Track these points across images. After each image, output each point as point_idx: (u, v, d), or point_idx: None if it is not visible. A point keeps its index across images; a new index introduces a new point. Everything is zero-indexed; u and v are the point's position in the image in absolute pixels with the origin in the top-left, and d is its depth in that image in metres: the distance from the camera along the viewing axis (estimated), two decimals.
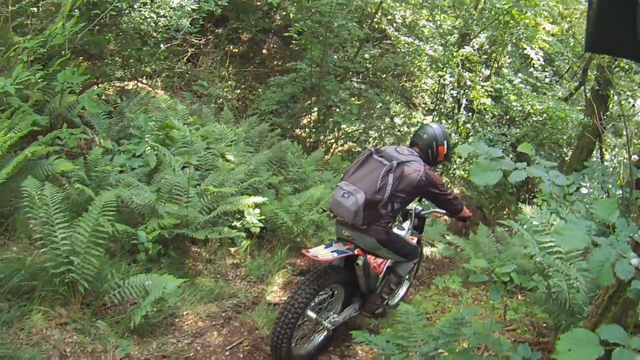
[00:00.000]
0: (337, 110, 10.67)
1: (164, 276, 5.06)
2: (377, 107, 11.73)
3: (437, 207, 5.53)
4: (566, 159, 13.20)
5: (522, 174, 2.74)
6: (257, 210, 7.04)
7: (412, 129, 11.70)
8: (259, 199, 6.93)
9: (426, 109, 14.38)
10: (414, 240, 5.80)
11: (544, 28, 11.56)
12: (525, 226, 6.90)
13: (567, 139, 13.02)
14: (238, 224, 7.02)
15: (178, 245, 6.53)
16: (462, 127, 12.53)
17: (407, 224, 5.85)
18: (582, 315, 4.51)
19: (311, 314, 4.80)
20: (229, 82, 12.39)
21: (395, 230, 5.52)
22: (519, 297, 7.27)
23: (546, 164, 2.95)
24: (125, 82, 10.68)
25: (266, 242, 7.53)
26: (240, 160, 8.13)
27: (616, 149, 14.13)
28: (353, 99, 10.89)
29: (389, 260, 5.36)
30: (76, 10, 7.86)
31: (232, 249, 7.10)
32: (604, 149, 11.34)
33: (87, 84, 9.36)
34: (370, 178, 4.52)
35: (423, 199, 6.06)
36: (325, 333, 5.07)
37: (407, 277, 5.80)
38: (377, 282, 5.41)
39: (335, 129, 11.38)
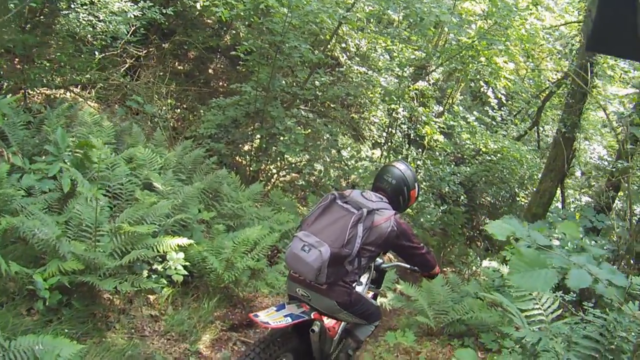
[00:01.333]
0: (282, 138, 9.66)
1: (59, 340, 3.91)
2: (324, 138, 10.80)
3: (404, 262, 4.56)
4: (518, 199, 12.67)
5: (585, 276, 1.92)
6: (182, 255, 5.92)
7: (360, 163, 10.86)
8: (184, 240, 5.80)
9: (374, 142, 13.64)
10: (370, 295, 4.87)
11: (506, 63, 10.92)
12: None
13: (518, 178, 12.43)
14: (159, 267, 5.88)
15: (84, 293, 5.32)
16: (411, 164, 11.73)
17: (364, 278, 4.68)
18: None
19: None
20: (169, 100, 11.29)
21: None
22: (479, 356, 6.48)
23: (595, 252, 2.29)
24: (55, 90, 9.44)
25: (192, 289, 6.37)
26: (168, 189, 6.98)
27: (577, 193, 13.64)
28: (299, 127, 9.91)
29: (343, 322, 4.45)
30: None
31: (151, 297, 5.92)
32: (566, 195, 10.75)
33: (12, 89, 8.18)
34: (336, 228, 3.73)
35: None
36: None
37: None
38: (331, 346, 4.46)
39: (278, 158, 10.37)
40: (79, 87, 9.96)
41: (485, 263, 11.14)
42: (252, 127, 10.29)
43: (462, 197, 11.55)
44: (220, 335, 5.91)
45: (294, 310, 3.93)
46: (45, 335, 4.00)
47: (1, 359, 3.74)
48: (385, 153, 12.35)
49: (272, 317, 3.79)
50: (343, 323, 4.47)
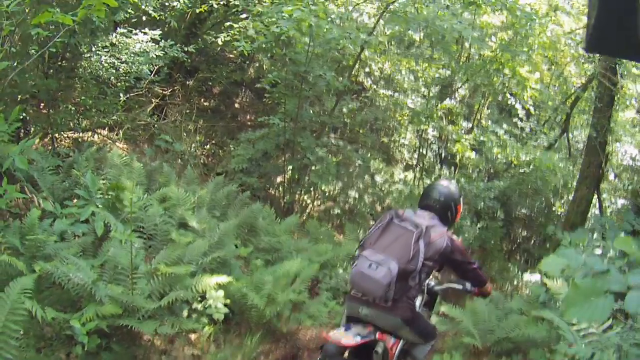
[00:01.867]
0: (314, 168, 9.46)
1: None
2: (356, 164, 10.58)
3: (457, 278, 4.51)
4: (554, 208, 12.27)
5: None
6: (221, 293, 5.70)
7: (394, 187, 10.61)
8: (223, 279, 5.57)
9: (405, 164, 13.40)
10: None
11: (530, 73, 10.65)
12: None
13: (552, 188, 12.10)
14: (199, 307, 5.66)
15: (124, 335, 5.12)
16: None
17: (418, 300, 4.46)
18: None
19: None
20: (198, 137, 11.18)
21: None
22: None
23: None
24: (82, 134, 9.35)
25: (234, 326, 6.14)
26: (203, 227, 6.79)
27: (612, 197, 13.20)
28: (330, 156, 9.70)
29: (401, 342, 4.26)
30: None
31: (193, 336, 5.70)
32: (602, 199, 10.37)
33: (39, 134, 8.12)
34: (400, 245, 3.79)
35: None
36: None
37: None
38: None
39: (312, 188, 10.16)
40: (106, 129, 9.86)
41: (527, 277, 10.86)
42: (283, 159, 10.12)
43: (498, 213, 11.27)
44: None
45: (360, 330, 3.88)
46: None
47: None
48: (417, 174, 12.10)
49: (343, 337, 3.78)
50: (400, 344, 4.28)
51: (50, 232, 5.75)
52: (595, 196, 9.62)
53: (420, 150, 12.27)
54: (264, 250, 7.51)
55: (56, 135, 8.46)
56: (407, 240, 3.77)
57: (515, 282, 10.82)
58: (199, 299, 5.69)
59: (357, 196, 10.36)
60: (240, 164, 9.54)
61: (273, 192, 10.75)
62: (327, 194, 10.50)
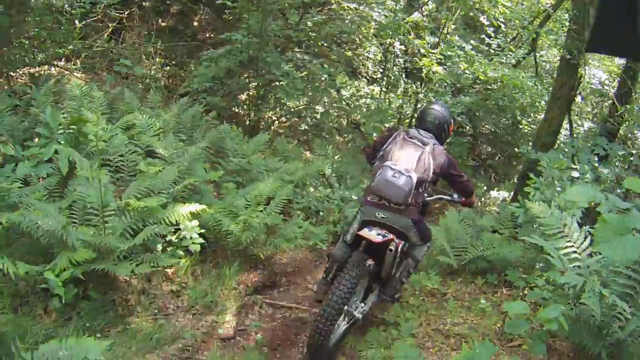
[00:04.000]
0: (280, 84, 9.08)
1: (83, 341, 3.44)
2: (322, 79, 10.18)
3: (451, 188, 5.12)
4: (521, 127, 12.14)
5: None
6: (196, 223, 5.46)
7: (362, 101, 10.30)
8: (196, 207, 5.27)
9: (370, 79, 13.05)
10: None
11: None
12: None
13: (519, 106, 11.84)
14: (174, 239, 5.42)
15: (100, 280, 4.82)
16: (411, 98, 11.22)
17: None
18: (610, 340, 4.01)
19: (347, 308, 4.40)
20: (158, 59, 10.66)
21: None
22: (504, 292, 6.12)
23: None
24: (39, 68, 8.79)
25: (210, 255, 5.91)
26: (171, 154, 6.44)
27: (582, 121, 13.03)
28: (296, 71, 9.30)
29: (402, 244, 4.67)
30: None
31: (170, 271, 5.46)
32: (572, 121, 10.15)
33: None
34: (416, 158, 4.41)
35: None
36: (350, 321, 4.56)
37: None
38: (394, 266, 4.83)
39: (277, 105, 9.80)
40: (63, 60, 9.26)
41: (494, 194, 10.80)
42: (247, 76, 9.70)
43: (467, 128, 11.10)
44: (246, 301, 5.54)
45: (379, 231, 4.40)
46: (68, 337, 3.56)
47: None
48: (384, 89, 11.79)
49: (371, 236, 4.31)
50: (401, 246, 4.64)
51: (14, 179, 5.39)
52: (566, 118, 9.39)
53: (386, 65, 11.89)
54: (234, 172, 7.21)
55: (11, 73, 7.92)
56: (420, 155, 4.39)
57: (482, 199, 10.78)
58: (173, 230, 5.43)
59: (323, 111, 10.05)
60: (203, 83, 9.08)
61: (238, 111, 10.38)
62: (293, 110, 10.15)
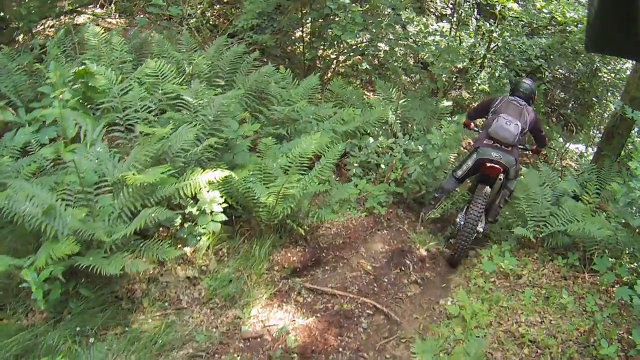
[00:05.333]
0: (336, 19, 7.81)
1: None
2: (385, 13, 8.80)
3: (534, 140, 6.19)
4: (600, 74, 10.43)
5: None
6: (217, 194, 4.40)
7: (430, 39, 8.86)
8: (216, 175, 4.17)
9: (438, 15, 11.53)
10: None
11: None
12: None
13: None
14: (194, 211, 4.40)
15: (94, 273, 3.69)
16: (484, 37, 9.71)
17: None
18: None
19: (478, 228, 5.54)
20: None
21: None
22: (587, 279, 5.02)
23: None
24: (65, 18, 7.83)
25: (240, 228, 4.86)
26: (201, 103, 5.31)
27: None
28: (355, 4, 7.97)
29: (502, 176, 5.61)
30: None
31: (188, 251, 4.44)
32: None
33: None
34: (519, 112, 5.61)
35: None
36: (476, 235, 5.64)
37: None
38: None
39: (335, 42, 8.49)
40: (95, 5, 8.29)
41: (571, 146, 9.40)
42: (300, 11, 8.46)
43: (547, 74, 9.74)
44: (280, 287, 4.47)
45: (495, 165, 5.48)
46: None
47: None
48: (454, 26, 10.29)
49: (494, 166, 5.43)
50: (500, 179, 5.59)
51: (11, 148, 4.51)
52: None
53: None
54: (278, 122, 6.11)
55: (32, 28, 7.00)
56: (521, 111, 5.62)
57: (560, 153, 9.42)
58: (192, 202, 4.43)
59: (387, 49, 8.68)
60: (250, 20, 7.94)
61: (292, 50, 9.21)
62: (354, 47, 8.82)
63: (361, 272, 4.96)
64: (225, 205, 4.43)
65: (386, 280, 5.02)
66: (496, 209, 5.91)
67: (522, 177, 6.43)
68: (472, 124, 6.23)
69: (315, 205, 5.15)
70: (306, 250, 4.94)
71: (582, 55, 10.21)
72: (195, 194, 4.18)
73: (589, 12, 1.42)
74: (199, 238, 4.37)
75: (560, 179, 7.02)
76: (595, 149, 8.56)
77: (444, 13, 11.42)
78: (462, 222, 5.52)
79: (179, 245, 4.33)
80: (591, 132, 11.35)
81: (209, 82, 6.31)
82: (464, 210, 5.72)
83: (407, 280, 5.18)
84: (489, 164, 5.44)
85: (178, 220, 4.39)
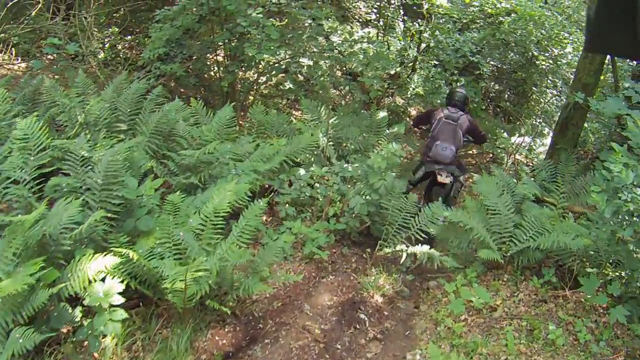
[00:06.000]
0: (249, 36, 6.88)
1: None
2: (306, 24, 7.90)
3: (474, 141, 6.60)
4: (537, 62, 9.65)
5: None
6: (114, 283, 3.40)
7: (357, 47, 7.97)
8: (107, 261, 3.26)
9: (362, 21, 10.73)
10: None
11: None
12: None
13: (534, 39, 9.26)
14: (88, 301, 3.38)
15: None
16: (415, 37, 8.97)
17: None
18: None
19: None
20: (112, 29, 8.53)
21: None
22: (573, 299, 4.57)
23: None
24: None
25: (154, 310, 3.88)
26: (90, 159, 4.28)
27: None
28: (273, 19, 7.04)
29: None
30: None
31: (95, 354, 3.42)
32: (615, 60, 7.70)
33: None
34: (453, 135, 6.09)
35: None
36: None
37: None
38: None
39: (254, 63, 7.52)
40: None
41: (517, 139, 9.05)
42: (213, 32, 7.48)
43: (484, 69, 8.94)
44: None
45: (446, 174, 6.07)
46: None
47: None
48: (381, 30, 9.50)
49: (444, 179, 6.01)
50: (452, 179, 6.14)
51: None
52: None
53: (380, 2, 9.58)
54: (190, 168, 5.17)
55: None
56: (454, 132, 6.10)
57: (507, 149, 8.90)
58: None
59: (311, 63, 7.77)
60: (156, 50, 6.97)
61: (210, 76, 8.24)
62: (275, 65, 7.87)
63: (309, 340, 4.06)
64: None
65: (339, 346, 4.13)
66: (452, 199, 6.42)
67: (475, 185, 6.12)
68: (418, 128, 7.18)
69: (241, 272, 4.16)
70: (237, 328, 3.99)
71: (514, 44, 9.55)
72: (85, 287, 3.20)
73: (588, 13, 1.41)
74: (101, 338, 3.36)
75: (515, 181, 6.36)
76: (549, 142, 8.21)
77: (369, 19, 10.60)
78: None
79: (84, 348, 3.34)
80: (533, 122, 10.81)
81: (109, 128, 5.33)
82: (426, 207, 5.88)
83: (365, 338, 4.31)
84: (440, 180, 6.06)
85: (78, 316, 3.39)
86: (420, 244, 4.99)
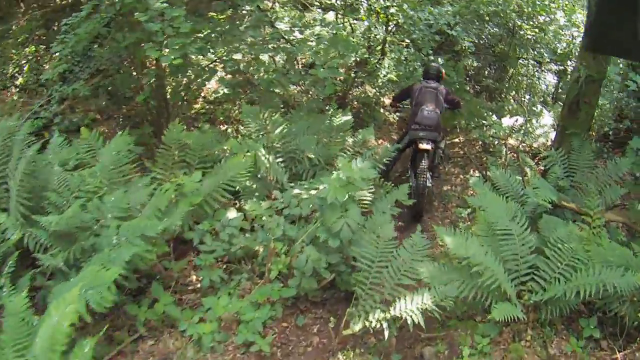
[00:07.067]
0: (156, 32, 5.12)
1: None
2: (244, 12, 6.12)
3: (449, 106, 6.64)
4: (522, 32, 8.44)
5: None
6: None
7: (308, 32, 6.17)
8: None
9: (323, 5, 9.00)
10: None
11: None
12: None
13: (513, 9, 8.07)
14: None
15: None
16: (380, 16, 7.37)
17: None
18: None
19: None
20: (29, 49, 7.05)
21: None
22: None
23: None
24: None
25: None
26: None
27: None
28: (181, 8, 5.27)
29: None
30: None
31: None
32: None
33: None
34: (436, 101, 6.29)
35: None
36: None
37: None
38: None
39: (177, 68, 5.74)
40: None
41: (507, 121, 7.85)
42: (122, 36, 5.68)
43: (465, 44, 7.90)
44: None
45: (427, 141, 6.09)
46: None
47: None
48: (341, 11, 7.85)
49: (425, 146, 5.98)
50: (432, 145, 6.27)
51: None
52: None
53: None
54: (62, 236, 3.46)
55: None
56: (436, 96, 6.34)
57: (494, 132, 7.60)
58: None
59: (249, 58, 6.01)
60: (58, 68, 5.28)
61: (131, 89, 6.52)
62: (207, 68, 6.11)
63: None
64: None
65: None
66: (436, 166, 6.69)
67: (480, 208, 4.11)
68: (398, 104, 7.15)
69: None
70: None
71: (493, 15, 8.22)
72: None
73: (589, 12, 1.37)
74: None
75: (520, 179, 5.10)
76: (546, 122, 8.03)
77: (330, 2, 8.86)
78: (414, 183, 6.02)
79: None
80: (522, 98, 9.57)
81: None
82: (413, 175, 6.18)
83: None
84: (421, 147, 6.04)
85: None
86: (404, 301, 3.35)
